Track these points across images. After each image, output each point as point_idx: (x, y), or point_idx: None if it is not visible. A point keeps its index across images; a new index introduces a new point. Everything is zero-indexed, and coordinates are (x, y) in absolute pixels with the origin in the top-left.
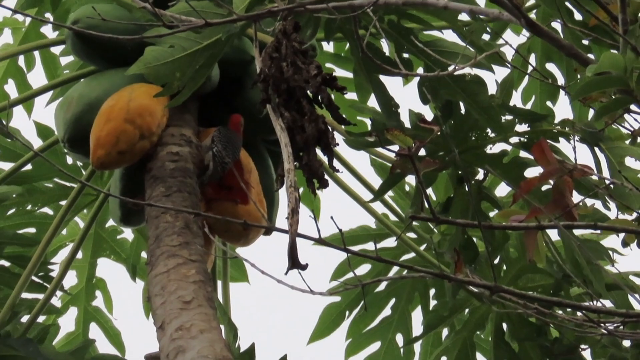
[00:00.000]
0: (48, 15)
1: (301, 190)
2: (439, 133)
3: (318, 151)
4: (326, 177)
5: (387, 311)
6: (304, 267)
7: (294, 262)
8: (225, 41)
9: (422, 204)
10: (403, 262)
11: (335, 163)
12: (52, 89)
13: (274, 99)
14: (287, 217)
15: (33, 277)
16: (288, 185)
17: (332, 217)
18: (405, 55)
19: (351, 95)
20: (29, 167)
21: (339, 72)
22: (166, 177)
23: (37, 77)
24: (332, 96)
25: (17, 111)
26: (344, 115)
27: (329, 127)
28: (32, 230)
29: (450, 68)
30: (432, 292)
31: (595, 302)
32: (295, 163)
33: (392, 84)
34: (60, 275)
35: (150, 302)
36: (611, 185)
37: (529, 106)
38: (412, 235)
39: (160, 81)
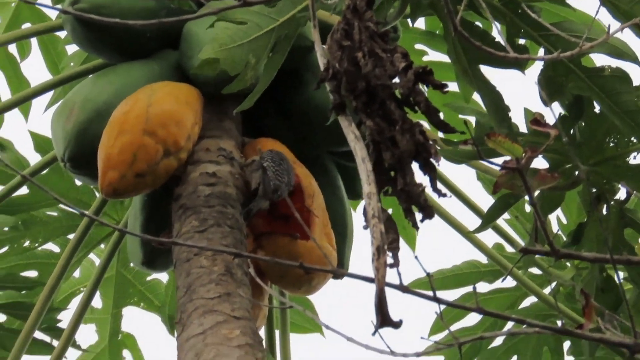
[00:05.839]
0: None
1: (390, 210)
2: (564, 139)
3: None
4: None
5: None
6: (397, 325)
7: (384, 319)
8: (302, 16)
9: (537, 234)
10: (523, 308)
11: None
12: (54, 87)
13: (349, 103)
14: (372, 258)
15: (36, 334)
16: (370, 216)
17: (416, 257)
18: (521, 41)
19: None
20: (24, 190)
21: (433, 55)
22: (200, 207)
23: (35, 67)
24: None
25: (10, 116)
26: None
27: (428, 138)
28: (33, 273)
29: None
30: (566, 345)
31: None
32: (386, 188)
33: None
34: (72, 329)
35: None
36: None
37: None
38: (536, 271)
39: (235, 69)
